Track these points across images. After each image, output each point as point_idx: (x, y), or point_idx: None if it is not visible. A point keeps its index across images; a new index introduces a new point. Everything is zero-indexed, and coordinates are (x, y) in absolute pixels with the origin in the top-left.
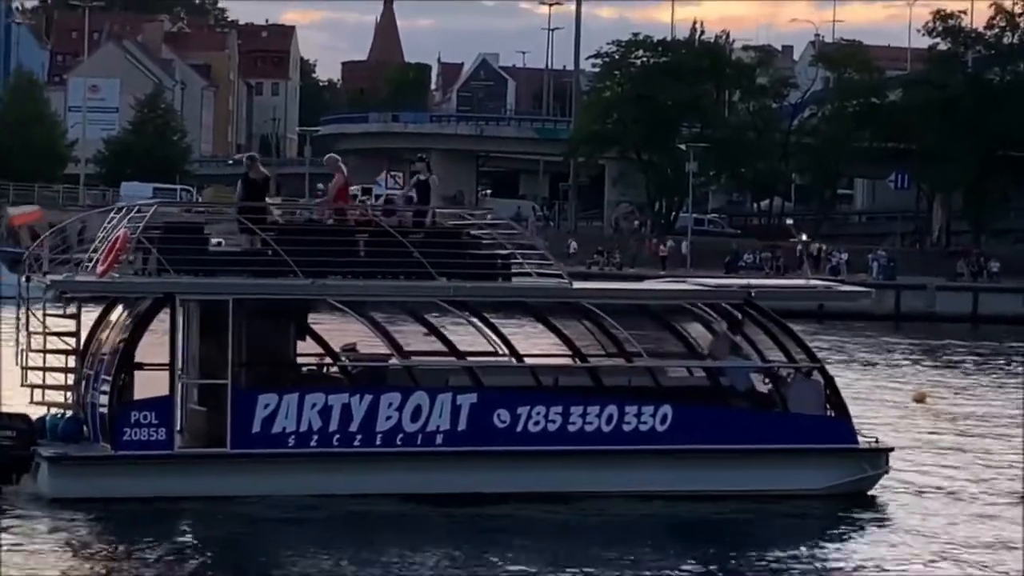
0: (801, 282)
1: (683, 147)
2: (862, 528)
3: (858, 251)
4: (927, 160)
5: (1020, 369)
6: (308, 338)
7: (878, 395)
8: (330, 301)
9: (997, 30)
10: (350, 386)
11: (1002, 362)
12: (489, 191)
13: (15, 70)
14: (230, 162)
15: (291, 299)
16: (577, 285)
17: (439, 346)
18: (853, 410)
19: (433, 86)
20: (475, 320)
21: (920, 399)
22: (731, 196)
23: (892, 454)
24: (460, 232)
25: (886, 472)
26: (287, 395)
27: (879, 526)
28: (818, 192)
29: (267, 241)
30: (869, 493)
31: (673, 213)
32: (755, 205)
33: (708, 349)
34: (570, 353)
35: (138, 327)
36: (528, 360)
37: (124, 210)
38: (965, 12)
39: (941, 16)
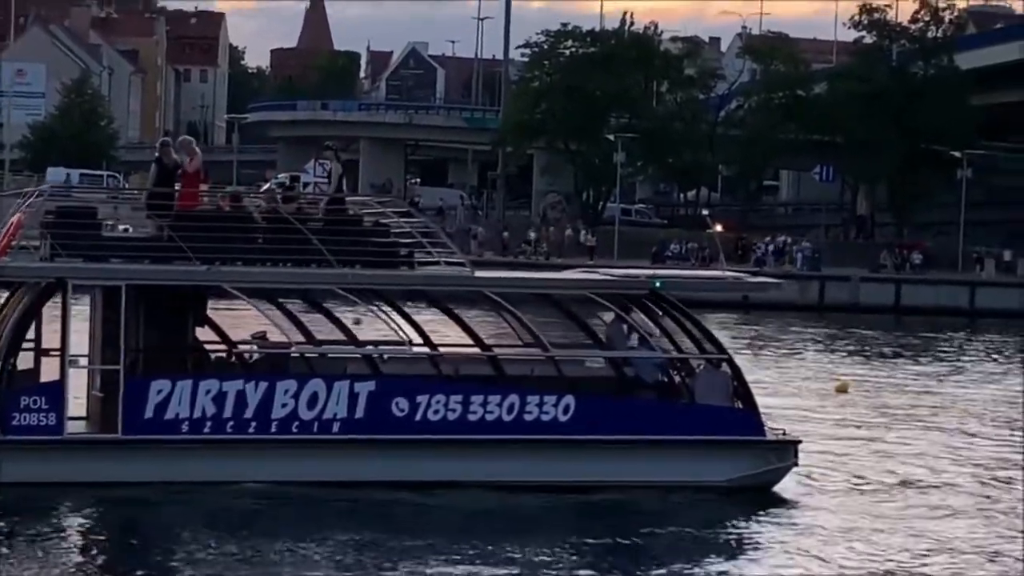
0: (709, 272)
1: (611, 137)
2: (762, 519)
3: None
4: (852, 153)
5: (940, 359)
6: (206, 325)
7: (797, 386)
8: (226, 288)
9: (922, 24)
10: (245, 373)
11: (923, 353)
12: (418, 180)
13: None
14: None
15: (186, 285)
16: (479, 274)
17: (340, 335)
18: (770, 401)
19: (362, 74)
20: (378, 308)
21: (842, 389)
22: (658, 187)
23: (801, 447)
24: (360, 220)
25: (794, 465)
26: (180, 381)
27: (779, 517)
28: (744, 183)
29: (163, 227)
30: (776, 486)
31: (601, 203)
32: (682, 196)
33: (604, 338)
34: (474, 343)
35: (28, 312)
36: (442, 349)
37: (25, 195)
38: (890, 6)
39: (867, 10)
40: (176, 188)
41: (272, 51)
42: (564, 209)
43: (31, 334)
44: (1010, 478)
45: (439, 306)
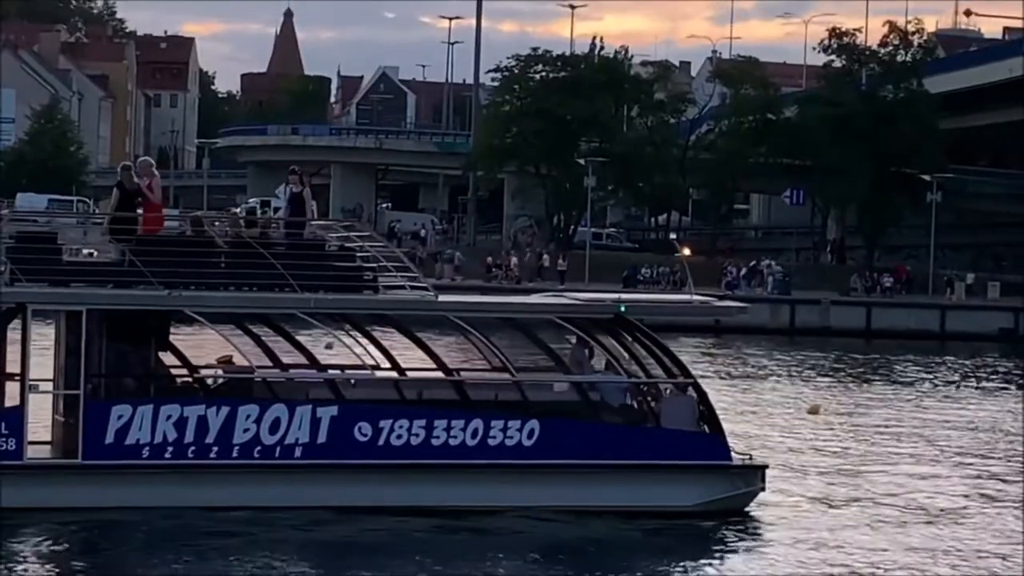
0: (674, 297)
1: (582, 162)
2: (727, 546)
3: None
4: (822, 176)
5: (909, 381)
6: (169, 350)
7: (768, 410)
8: (188, 312)
9: (891, 48)
10: (206, 398)
11: (894, 376)
12: (388, 204)
13: None
14: None
15: (146, 309)
16: (443, 298)
17: (303, 359)
18: (739, 426)
19: (333, 99)
20: (343, 332)
21: (814, 411)
22: (629, 210)
23: (769, 471)
24: (324, 244)
25: (761, 490)
26: (141, 406)
27: (746, 544)
28: (715, 207)
29: (125, 252)
30: (745, 510)
31: (572, 227)
32: (653, 220)
33: (570, 362)
34: (438, 367)
35: None
36: (409, 374)
37: None
38: (860, 30)
39: (836, 34)
40: (138, 212)
41: (242, 75)
42: (535, 233)
43: None
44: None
45: (403, 330)
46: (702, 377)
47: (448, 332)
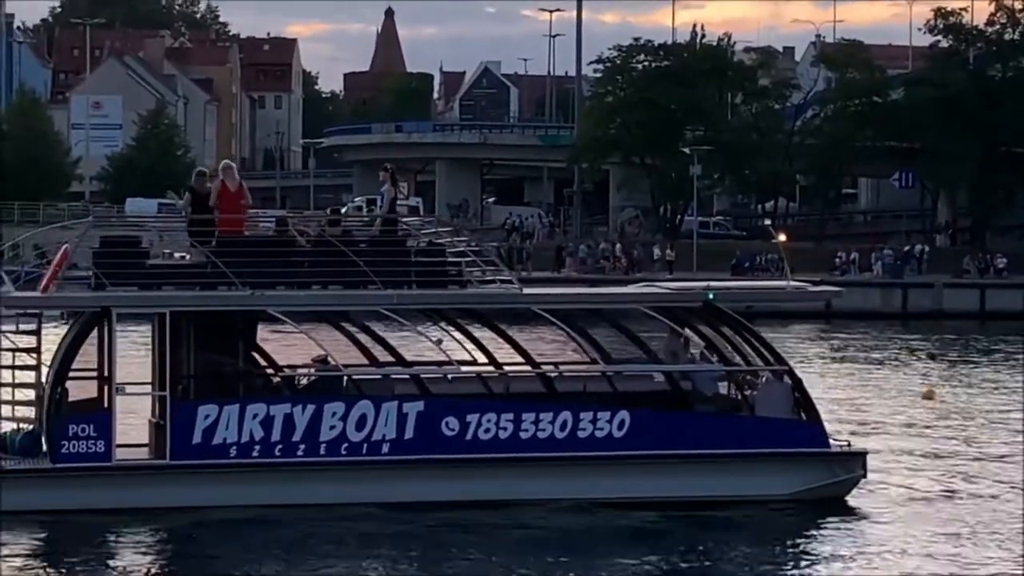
0: (766, 283)
1: (686, 151)
2: (829, 536)
3: (864, 249)
4: (931, 158)
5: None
6: (256, 350)
7: (879, 396)
8: (271, 312)
9: (998, 27)
10: (292, 396)
11: (1008, 359)
12: (494, 199)
13: (17, 89)
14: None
15: (231, 310)
16: (528, 291)
17: (388, 356)
18: (848, 413)
19: (436, 95)
20: (436, 328)
21: (929, 396)
22: (736, 198)
23: (874, 459)
24: (405, 240)
25: (862, 476)
26: (228, 406)
27: (848, 530)
28: (822, 192)
29: (207, 254)
30: (845, 498)
31: (678, 216)
32: (760, 207)
33: (663, 352)
34: (525, 361)
35: (75, 341)
36: (497, 367)
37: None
38: (966, 9)
39: (942, 14)
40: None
41: (345, 75)
42: (642, 224)
43: (93, 364)
44: None
45: (489, 324)
46: (810, 363)
47: (541, 326)
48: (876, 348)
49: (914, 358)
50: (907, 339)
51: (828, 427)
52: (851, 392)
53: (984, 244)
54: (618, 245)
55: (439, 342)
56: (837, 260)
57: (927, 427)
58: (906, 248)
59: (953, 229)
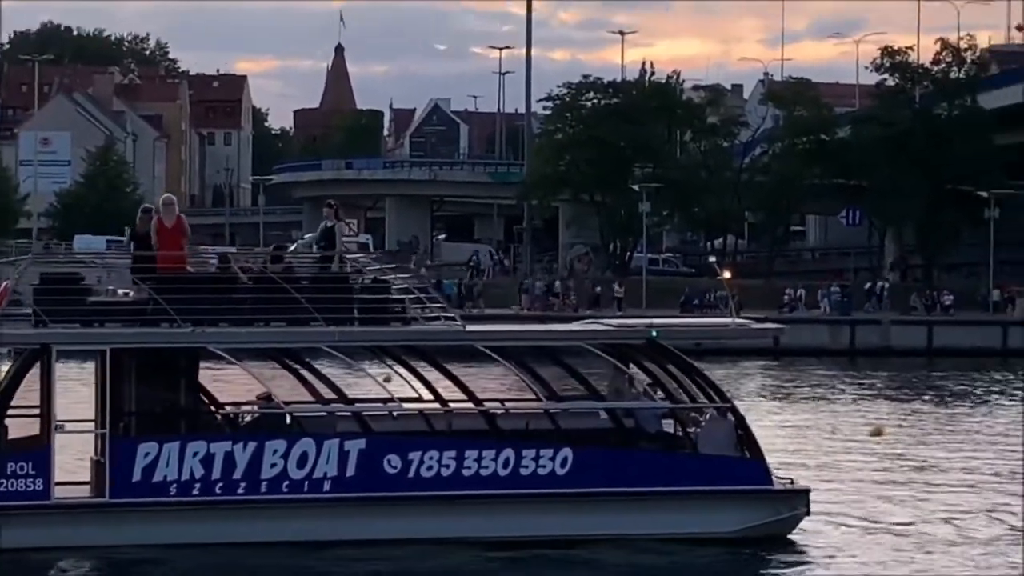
0: (710, 320)
1: (635, 188)
2: (771, 574)
3: (811, 287)
4: (878, 195)
5: (973, 400)
6: (198, 388)
7: (825, 433)
8: (212, 349)
9: (944, 65)
10: (232, 433)
11: (954, 395)
12: (443, 236)
13: None
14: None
15: (172, 348)
16: (471, 328)
17: (330, 393)
18: (794, 449)
19: (386, 132)
20: (379, 365)
21: (877, 433)
22: (685, 235)
23: (818, 495)
24: (348, 277)
25: (805, 514)
26: (168, 444)
27: (790, 571)
28: (771, 230)
29: (149, 291)
30: (789, 536)
31: (628, 253)
32: (709, 244)
33: (607, 391)
34: (468, 398)
35: (15, 378)
36: (438, 404)
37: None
38: (912, 48)
39: (888, 52)
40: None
41: (295, 112)
42: (591, 261)
43: (32, 401)
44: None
45: (432, 362)
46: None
47: (489, 363)
48: (824, 385)
49: (863, 395)
50: (855, 376)
51: (773, 464)
52: (798, 429)
53: (931, 281)
54: (569, 282)
55: (387, 379)
56: (786, 297)
57: (874, 464)
58: (867, 285)
59: (906, 266)
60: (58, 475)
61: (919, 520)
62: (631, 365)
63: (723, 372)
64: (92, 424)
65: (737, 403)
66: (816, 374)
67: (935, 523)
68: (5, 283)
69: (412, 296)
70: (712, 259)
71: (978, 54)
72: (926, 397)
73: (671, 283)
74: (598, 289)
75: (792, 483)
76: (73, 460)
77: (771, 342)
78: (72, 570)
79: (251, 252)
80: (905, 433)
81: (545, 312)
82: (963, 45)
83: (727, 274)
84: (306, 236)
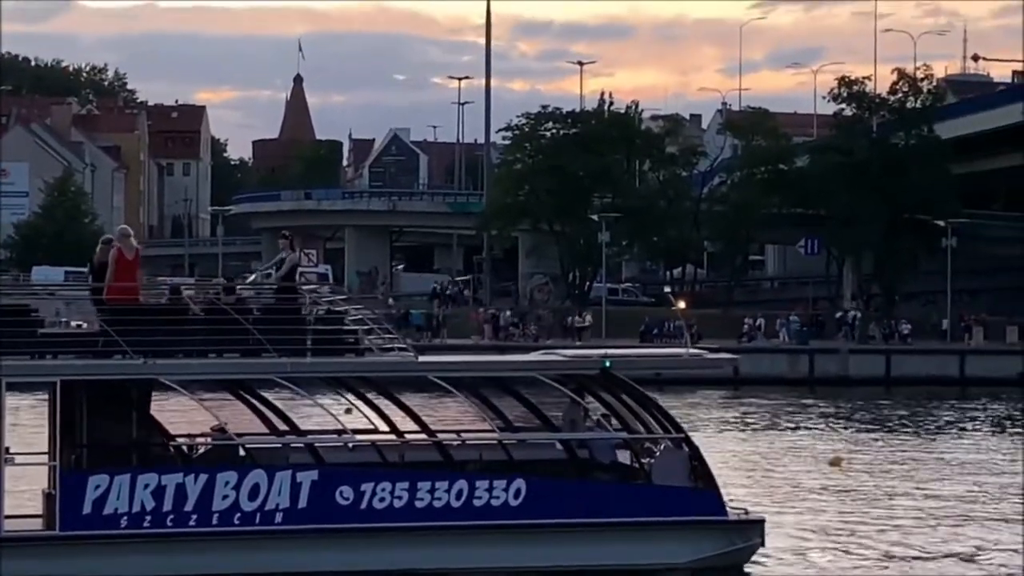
0: (664, 351)
1: (595, 217)
2: None
3: (770, 316)
4: (836, 224)
5: (931, 429)
6: (146, 419)
7: (785, 461)
8: (163, 381)
9: (900, 95)
10: (184, 466)
11: (913, 424)
12: (403, 266)
13: None
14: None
15: (124, 380)
16: (423, 359)
17: (283, 425)
18: (748, 480)
19: (345, 162)
20: (334, 396)
21: (836, 463)
22: (644, 265)
23: (772, 526)
24: (300, 308)
25: (759, 545)
26: (119, 476)
27: None
28: (730, 259)
29: (100, 323)
30: (743, 567)
31: (587, 283)
32: (668, 273)
33: (562, 421)
34: (421, 429)
35: None
36: (393, 436)
37: None
38: (869, 78)
39: (846, 82)
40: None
41: (254, 142)
42: (551, 290)
43: None
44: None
45: (385, 392)
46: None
47: (444, 394)
48: (782, 414)
49: (820, 424)
50: (813, 405)
51: (729, 495)
52: (755, 459)
53: (890, 310)
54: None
55: (348, 411)
56: (745, 326)
57: (832, 494)
58: (837, 315)
59: (868, 295)
60: (10, 508)
61: (879, 553)
62: (586, 396)
63: (680, 402)
64: (42, 456)
65: (694, 433)
66: (774, 403)
67: (895, 556)
68: None
69: (366, 327)
70: (667, 289)
71: (935, 84)
72: (884, 426)
73: (631, 313)
74: (569, 319)
75: (746, 514)
76: (31, 494)
77: (730, 372)
78: None
79: (208, 283)
80: (862, 463)
81: (505, 342)
82: (920, 75)
83: (682, 304)
84: (264, 267)
